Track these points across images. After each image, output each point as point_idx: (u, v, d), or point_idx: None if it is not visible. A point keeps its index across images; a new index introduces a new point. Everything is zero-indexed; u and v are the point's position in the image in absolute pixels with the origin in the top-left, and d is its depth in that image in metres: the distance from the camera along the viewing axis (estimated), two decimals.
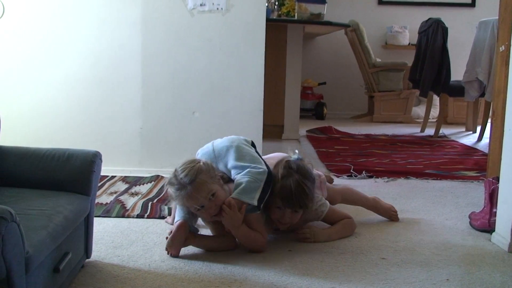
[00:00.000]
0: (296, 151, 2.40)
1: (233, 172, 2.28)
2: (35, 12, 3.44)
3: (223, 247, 2.25)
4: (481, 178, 3.56)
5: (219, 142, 2.43)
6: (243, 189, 2.17)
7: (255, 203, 2.15)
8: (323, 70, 7.20)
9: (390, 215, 2.68)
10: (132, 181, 3.29)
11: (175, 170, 2.17)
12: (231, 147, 2.35)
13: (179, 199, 2.14)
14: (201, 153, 2.44)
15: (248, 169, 2.22)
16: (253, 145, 2.46)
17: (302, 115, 5.90)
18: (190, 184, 2.10)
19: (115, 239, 2.33)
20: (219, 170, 2.33)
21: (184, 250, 2.20)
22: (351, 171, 3.67)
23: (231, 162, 2.29)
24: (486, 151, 3.70)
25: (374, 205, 2.71)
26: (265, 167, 2.25)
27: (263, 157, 2.43)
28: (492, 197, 2.53)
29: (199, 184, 2.11)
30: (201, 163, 2.17)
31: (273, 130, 4.97)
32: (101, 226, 2.46)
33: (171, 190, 2.15)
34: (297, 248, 2.26)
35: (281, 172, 2.25)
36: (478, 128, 5.57)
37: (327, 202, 2.43)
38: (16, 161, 1.96)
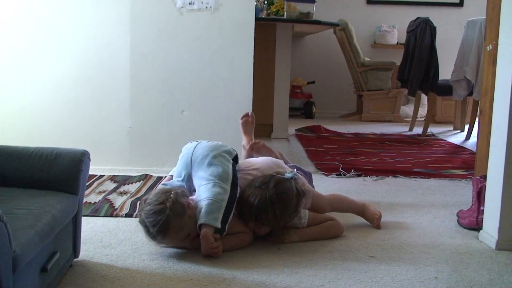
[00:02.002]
0: (295, 170, 2.35)
1: (197, 181, 2.27)
2: (23, 11, 3.41)
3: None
4: (469, 176, 3.59)
5: (201, 147, 2.37)
6: (207, 212, 2.11)
7: (219, 225, 2.10)
8: (312, 69, 7.22)
9: (373, 220, 2.56)
10: (121, 180, 3.27)
11: (142, 214, 2.10)
12: (208, 156, 2.30)
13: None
14: (183, 152, 2.41)
15: (211, 184, 2.19)
16: (236, 158, 2.40)
17: (291, 114, 5.92)
18: (163, 237, 2.10)
19: (104, 239, 2.32)
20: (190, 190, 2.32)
21: (173, 250, 2.20)
22: (340, 169, 3.68)
23: (200, 172, 2.27)
24: (474, 149, 3.73)
25: (361, 211, 2.62)
26: (228, 188, 2.19)
27: (252, 158, 2.42)
28: (479, 195, 2.55)
29: (171, 236, 2.10)
30: (169, 210, 2.05)
31: (262, 129, 4.98)
32: (89, 225, 2.45)
33: (143, 232, 2.14)
34: (286, 247, 2.26)
35: (256, 183, 2.23)
36: (466, 127, 5.61)
37: (306, 212, 2.36)
38: (3, 160, 1.95)
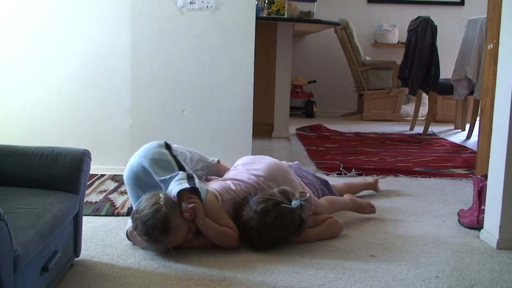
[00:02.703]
0: (298, 202, 2.22)
1: (163, 186, 2.29)
2: (24, 11, 3.41)
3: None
4: (469, 175, 3.59)
5: (134, 161, 2.42)
6: (173, 186, 2.19)
7: (187, 185, 2.16)
8: (313, 68, 7.21)
9: (369, 211, 2.71)
10: (122, 180, 3.27)
11: (137, 219, 2.09)
12: (145, 164, 2.35)
13: (156, 249, 2.14)
14: (127, 181, 2.44)
15: (166, 182, 2.26)
16: (168, 146, 2.45)
17: (292, 114, 5.92)
18: (167, 236, 2.08)
19: (105, 238, 2.32)
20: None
21: (174, 249, 2.20)
22: (341, 169, 3.67)
23: (155, 179, 2.31)
24: (475, 149, 3.72)
25: (354, 206, 2.70)
26: (180, 172, 2.27)
27: (254, 156, 2.43)
28: (480, 195, 2.55)
29: (173, 232, 2.09)
30: (164, 207, 2.08)
31: (263, 128, 4.98)
32: (90, 224, 2.45)
33: (144, 243, 2.12)
34: (286, 247, 2.26)
35: (258, 208, 2.18)
36: (467, 126, 5.60)
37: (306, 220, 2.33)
38: (4, 159, 1.95)
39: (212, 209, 2.19)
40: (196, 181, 2.23)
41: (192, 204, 2.12)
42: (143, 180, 2.35)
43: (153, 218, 2.05)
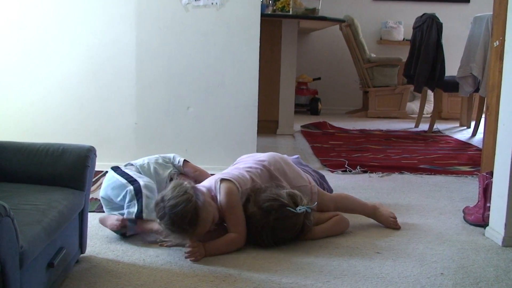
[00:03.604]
0: (304, 208, 2.21)
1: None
2: (29, 8, 3.42)
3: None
4: (475, 173, 3.58)
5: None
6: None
7: (133, 216, 2.25)
8: (317, 65, 7.20)
9: (389, 222, 2.50)
10: None
11: (164, 208, 2.06)
12: (103, 194, 2.48)
13: (179, 240, 2.13)
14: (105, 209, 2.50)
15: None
16: (115, 168, 2.54)
17: (297, 111, 5.91)
18: (194, 227, 2.06)
19: (110, 234, 2.32)
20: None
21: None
22: (346, 166, 3.67)
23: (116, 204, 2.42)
24: (480, 146, 3.71)
25: (373, 213, 2.54)
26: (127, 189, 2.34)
27: (257, 153, 2.47)
28: (486, 192, 2.54)
29: (200, 223, 2.07)
30: (194, 197, 2.07)
31: (267, 125, 4.98)
32: (95, 221, 2.45)
33: (168, 232, 2.10)
34: (291, 243, 2.26)
35: (264, 205, 2.19)
36: (472, 123, 5.59)
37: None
38: (10, 156, 1.96)
39: (230, 203, 2.19)
40: (144, 194, 2.30)
41: (189, 254, 2.10)
42: (114, 204, 2.42)
43: (183, 208, 2.02)
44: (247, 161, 2.50)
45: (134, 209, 2.27)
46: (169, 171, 2.64)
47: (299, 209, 2.19)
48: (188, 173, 2.67)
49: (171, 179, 2.65)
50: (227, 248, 2.16)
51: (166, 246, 2.17)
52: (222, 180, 2.24)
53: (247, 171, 2.36)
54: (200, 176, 2.66)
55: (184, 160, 2.70)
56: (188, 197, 2.05)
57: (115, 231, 2.28)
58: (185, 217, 2.02)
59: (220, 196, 2.20)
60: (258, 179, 2.35)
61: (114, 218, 2.26)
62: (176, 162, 2.69)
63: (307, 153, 4.23)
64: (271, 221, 2.17)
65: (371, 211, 2.55)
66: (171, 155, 2.72)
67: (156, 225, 2.22)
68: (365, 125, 5.84)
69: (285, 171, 2.45)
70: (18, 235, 1.37)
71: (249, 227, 2.21)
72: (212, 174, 2.60)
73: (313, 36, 7.24)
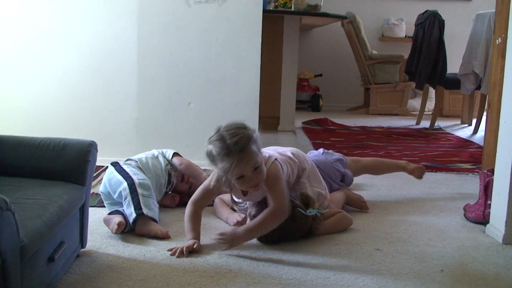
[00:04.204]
0: (314, 211, 2.22)
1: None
2: (30, 4, 3.42)
3: None
4: (476, 170, 3.58)
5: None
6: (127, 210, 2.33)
7: (134, 216, 2.27)
8: (319, 62, 7.20)
9: (360, 205, 2.71)
10: None
11: (220, 130, 2.06)
12: (103, 189, 2.52)
13: (220, 165, 2.05)
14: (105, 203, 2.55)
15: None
16: (115, 163, 2.58)
17: (298, 107, 5.91)
18: (240, 153, 2.01)
19: None
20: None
21: (180, 241, 2.20)
22: None
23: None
24: (481, 143, 3.71)
25: (345, 199, 2.71)
26: (125, 182, 2.38)
27: (278, 147, 2.53)
28: (487, 189, 2.54)
29: (248, 155, 2.02)
30: (251, 131, 2.06)
31: (269, 121, 4.98)
32: (96, 216, 2.46)
33: (214, 152, 2.05)
34: (290, 237, 2.26)
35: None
36: (474, 121, 5.59)
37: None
38: (11, 150, 1.96)
39: (276, 174, 2.17)
40: (139, 192, 2.33)
41: (225, 242, 2.11)
42: (113, 199, 2.45)
43: (237, 130, 2.04)
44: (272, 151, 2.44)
45: (131, 209, 2.28)
46: (165, 165, 2.67)
47: (310, 212, 2.19)
48: (175, 165, 2.71)
49: (169, 174, 2.67)
50: (265, 225, 2.12)
51: (177, 257, 2.07)
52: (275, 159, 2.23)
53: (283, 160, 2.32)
54: (186, 169, 2.70)
55: (174, 152, 2.74)
56: (246, 127, 2.07)
57: None
58: (236, 136, 2.01)
59: (267, 167, 2.16)
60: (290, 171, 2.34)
61: (114, 221, 2.25)
62: (167, 156, 2.73)
63: (308, 149, 4.22)
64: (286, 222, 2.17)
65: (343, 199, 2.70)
66: (165, 150, 2.77)
67: (153, 228, 2.23)
68: (366, 122, 5.83)
69: (305, 168, 2.44)
70: (19, 229, 1.37)
71: None
72: (204, 169, 2.62)
73: (314, 33, 7.23)
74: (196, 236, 2.18)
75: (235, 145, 2.00)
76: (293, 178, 2.35)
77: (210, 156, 2.07)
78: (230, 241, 2.10)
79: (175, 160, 2.71)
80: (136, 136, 3.55)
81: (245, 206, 2.38)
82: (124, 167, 2.51)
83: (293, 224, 2.20)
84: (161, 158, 2.70)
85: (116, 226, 2.21)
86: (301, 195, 2.24)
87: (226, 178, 2.12)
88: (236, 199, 2.36)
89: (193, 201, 2.27)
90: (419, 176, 3.03)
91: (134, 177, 2.40)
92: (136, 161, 2.60)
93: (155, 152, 2.74)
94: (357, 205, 2.72)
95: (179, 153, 2.78)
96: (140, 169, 2.55)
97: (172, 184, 2.72)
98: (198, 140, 3.51)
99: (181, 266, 1.97)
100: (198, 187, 2.69)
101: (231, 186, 2.20)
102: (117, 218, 2.25)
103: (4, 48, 3.46)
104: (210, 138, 2.08)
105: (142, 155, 2.69)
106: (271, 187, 2.16)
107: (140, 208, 2.27)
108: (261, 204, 2.22)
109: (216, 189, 2.23)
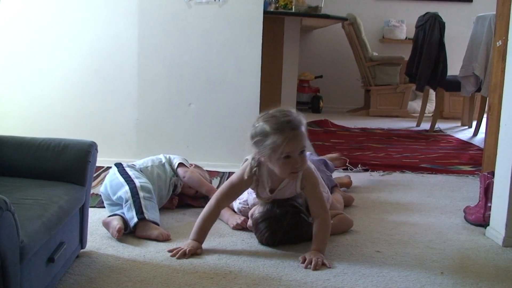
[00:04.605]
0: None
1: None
2: (31, 4, 3.42)
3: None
4: (476, 172, 3.57)
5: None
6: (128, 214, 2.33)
7: (135, 220, 2.26)
8: (320, 63, 7.19)
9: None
10: None
11: (270, 112, 2.09)
12: (103, 190, 2.52)
13: (271, 140, 2.02)
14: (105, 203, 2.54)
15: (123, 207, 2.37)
16: (118, 164, 2.58)
17: (299, 108, 5.86)
18: (293, 130, 2.02)
19: None
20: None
21: (180, 242, 2.20)
22: (347, 164, 3.66)
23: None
24: (482, 145, 3.71)
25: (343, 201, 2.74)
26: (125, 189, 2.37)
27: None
28: (487, 192, 2.54)
29: (300, 135, 2.04)
30: (302, 115, 2.10)
31: None
32: (96, 216, 2.46)
33: (267, 128, 2.03)
34: (291, 241, 2.26)
35: (278, 210, 2.19)
36: (474, 123, 5.59)
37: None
38: (11, 150, 1.95)
39: (314, 180, 2.20)
40: (141, 196, 2.33)
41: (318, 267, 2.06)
42: (112, 200, 2.45)
43: (289, 113, 2.07)
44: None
45: (132, 213, 2.27)
46: (171, 177, 2.66)
47: (312, 220, 2.19)
48: (180, 176, 2.70)
49: (175, 185, 2.66)
50: (327, 236, 2.15)
51: (177, 258, 2.07)
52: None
53: None
54: (189, 181, 2.68)
55: (180, 162, 2.72)
56: (292, 111, 2.08)
57: None
58: (290, 114, 2.05)
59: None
60: None
61: (114, 226, 2.24)
62: (174, 164, 2.71)
63: (308, 150, 4.22)
64: (284, 225, 2.18)
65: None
66: (173, 157, 2.74)
67: (154, 232, 2.23)
68: (367, 124, 5.83)
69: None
70: (19, 230, 1.37)
71: (260, 224, 2.21)
72: (215, 171, 2.60)
73: (315, 34, 7.23)
74: (201, 239, 2.17)
75: (288, 122, 2.03)
76: None
77: (262, 132, 2.04)
78: (319, 264, 2.02)
79: (180, 171, 2.69)
80: (136, 137, 3.54)
81: (247, 206, 2.39)
82: (127, 169, 2.50)
83: (297, 230, 2.20)
84: (167, 167, 2.68)
85: (116, 233, 2.19)
86: (305, 202, 2.24)
87: (267, 161, 2.08)
88: (261, 195, 2.26)
89: (216, 198, 2.22)
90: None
91: (136, 181, 2.41)
92: (140, 168, 2.59)
93: (162, 158, 2.71)
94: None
95: (186, 160, 2.76)
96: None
97: (177, 190, 2.71)
98: (198, 141, 3.53)
99: (181, 267, 1.97)
100: (203, 192, 2.69)
101: (258, 180, 2.18)
102: (116, 222, 2.24)
103: (5, 49, 3.46)
104: (259, 118, 2.10)
105: (148, 162, 2.66)
106: (311, 191, 2.18)
107: (142, 213, 2.26)
108: (269, 207, 2.21)
109: (248, 181, 2.18)
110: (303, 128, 2.06)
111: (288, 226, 2.18)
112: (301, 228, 2.20)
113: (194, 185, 2.70)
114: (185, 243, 2.14)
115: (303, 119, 2.09)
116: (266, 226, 2.19)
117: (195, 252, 2.09)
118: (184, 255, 2.06)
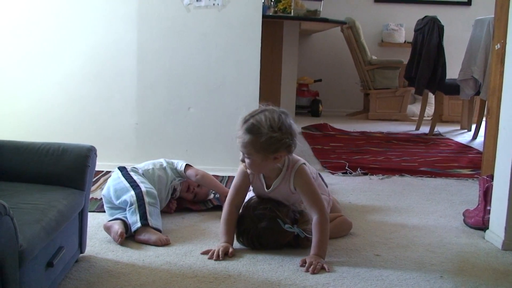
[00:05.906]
0: (296, 230, 2.17)
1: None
2: (31, 8, 3.42)
3: None
4: (475, 176, 3.57)
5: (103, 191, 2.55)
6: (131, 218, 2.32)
7: (138, 224, 2.26)
8: (319, 67, 7.20)
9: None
10: None
11: (269, 108, 2.12)
12: (105, 193, 2.50)
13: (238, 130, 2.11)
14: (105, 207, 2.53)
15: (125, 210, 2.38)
16: (122, 168, 2.57)
17: (298, 112, 5.92)
18: (244, 132, 2.11)
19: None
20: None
21: (179, 246, 2.20)
22: (346, 168, 3.67)
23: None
24: (481, 149, 3.71)
25: None
26: (132, 191, 2.37)
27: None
28: (486, 195, 2.54)
29: (246, 139, 2.09)
30: (278, 134, 2.09)
31: None
32: (95, 221, 2.46)
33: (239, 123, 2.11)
34: (291, 245, 2.26)
35: (257, 210, 2.19)
36: (473, 126, 5.59)
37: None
38: (10, 155, 1.95)
39: (304, 183, 2.19)
40: (146, 201, 2.32)
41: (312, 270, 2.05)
42: (114, 204, 2.45)
43: (266, 125, 2.07)
44: None
45: (136, 217, 2.27)
46: (172, 180, 2.65)
47: (289, 228, 2.15)
48: (190, 176, 2.68)
49: (174, 189, 2.66)
50: (326, 236, 2.12)
51: (214, 259, 2.08)
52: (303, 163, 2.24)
53: None
54: (202, 179, 2.67)
55: (187, 164, 2.71)
56: (283, 129, 2.07)
57: None
58: (257, 121, 2.08)
59: (294, 170, 2.18)
60: None
61: (115, 230, 2.24)
62: (179, 167, 2.69)
63: (307, 154, 4.23)
64: (259, 228, 2.17)
65: None
66: (175, 161, 2.73)
67: (153, 236, 2.22)
68: (366, 127, 5.84)
69: (313, 177, 2.41)
70: (18, 234, 1.36)
71: (240, 224, 2.22)
72: (215, 175, 2.60)
73: (314, 38, 7.24)
74: (229, 240, 2.18)
75: (245, 123, 2.09)
76: None
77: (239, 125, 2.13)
78: (318, 268, 2.02)
79: (190, 172, 2.69)
80: (136, 141, 3.55)
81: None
82: (132, 174, 2.50)
83: (271, 235, 2.17)
84: (169, 171, 2.67)
85: (118, 238, 2.19)
86: (300, 211, 2.23)
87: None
88: (258, 190, 2.29)
89: (228, 201, 2.25)
90: None
91: (142, 185, 2.40)
92: (142, 172, 2.58)
93: (163, 162, 2.70)
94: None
95: (190, 164, 2.75)
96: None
97: (176, 194, 2.71)
98: (198, 145, 3.53)
99: (180, 272, 1.97)
100: (203, 196, 2.70)
101: (249, 175, 2.22)
102: (118, 226, 2.24)
103: (4, 53, 3.46)
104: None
105: (149, 165, 2.65)
106: (303, 189, 2.17)
107: (146, 219, 2.26)
108: (255, 204, 2.22)
109: (247, 172, 2.22)
110: (259, 139, 2.05)
111: (263, 229, 2.16)
112: (276, 234, 2.16)
113: (207, 183, 2.71)
114: (216, 246, 2.14)
115: (273, 135, 2.05)
116: (242, 223, 2.21)
117: (227, 251, 2.11)
118: (218, 256, 2.08)
